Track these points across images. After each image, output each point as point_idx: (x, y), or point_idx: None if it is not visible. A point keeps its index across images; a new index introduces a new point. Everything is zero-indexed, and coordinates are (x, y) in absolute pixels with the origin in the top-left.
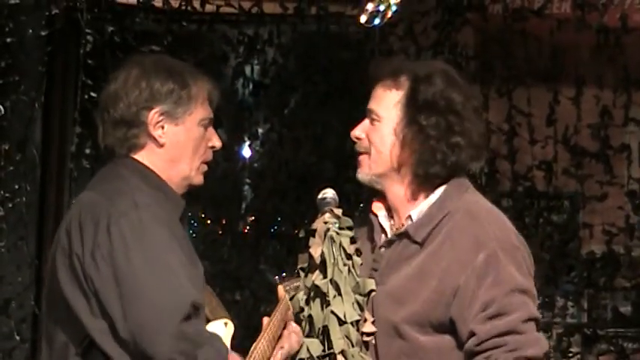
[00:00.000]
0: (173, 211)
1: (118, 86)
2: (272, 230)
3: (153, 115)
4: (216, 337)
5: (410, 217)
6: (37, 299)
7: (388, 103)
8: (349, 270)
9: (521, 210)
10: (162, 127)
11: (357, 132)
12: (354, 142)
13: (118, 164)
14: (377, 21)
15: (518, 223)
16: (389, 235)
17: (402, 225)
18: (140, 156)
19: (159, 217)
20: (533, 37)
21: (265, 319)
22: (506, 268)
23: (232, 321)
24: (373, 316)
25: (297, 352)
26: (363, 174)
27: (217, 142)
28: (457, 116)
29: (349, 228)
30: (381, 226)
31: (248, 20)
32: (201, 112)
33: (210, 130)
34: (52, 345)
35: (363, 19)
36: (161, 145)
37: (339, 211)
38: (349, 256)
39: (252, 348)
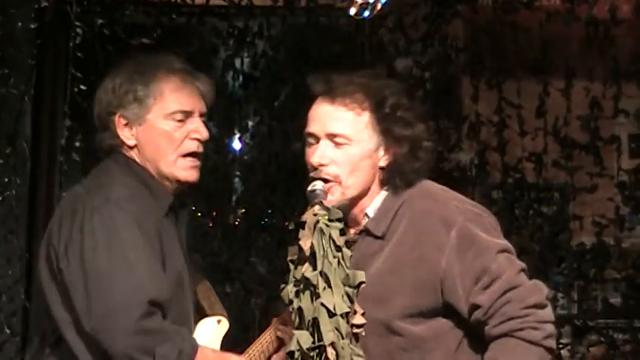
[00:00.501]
0: (155, 207)
1: (97, 92)
2: (262, 223)
3: (118, 120)
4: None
5: (366, 214)
6: (27, 293)
7: (358, 125)
8: (339, 262)
9: (512, 202)
10: (130, 129)
11: (322, 158)
12: (314, 169)
13: (110, 158)
14: (366, 13)
15: (509, 214)
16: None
17: (360, 222)
18: (126, 153)
19: (128, 211)
20: (523, 30)
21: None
22: (481, 235)
23: (227, 317)
24: None
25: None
26: (335, 201)
27: (201, 134)
28: (420, 124)
29: (339, 220)
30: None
31: (238, 13)
32: (165, 105)
33: (191, 121)
34: (35, 335)
35: (352, 11)
36: (132, 147)
37: (328, 203)
38: (339, 248)
39: None
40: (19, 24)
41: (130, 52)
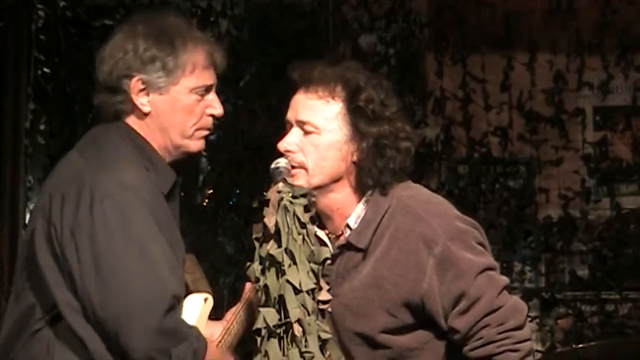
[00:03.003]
0: (161, 187)
1: (107, 46)
2: (230, 202)
3: (135, 84)
4: (196, 335)
5: (348, 225)
6: None
7: (327, 115)
8: (303, 239)
9: (478, 176)
10: (147, 95)
11: (289, 145)
12: (281, 155)
13: (111, 128)
14: None
15: (475, 189)
16: (328, 245)
17: (341, 232)
18: (131, 121)
19: (144, 201)
20: (486, 4)
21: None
22: (462, 256)
23: (212, 294)
24: (337, 328)
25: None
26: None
27: (217, 110)
28: (398, 122)
29: (303, 196)
30: (318, 238)
31: None
32: (192, 80)
33: (210, 96)
34: (19, 303)
35: None
36: (146, 114)
37: (292, 180)
38: (303, 225)
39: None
40: None
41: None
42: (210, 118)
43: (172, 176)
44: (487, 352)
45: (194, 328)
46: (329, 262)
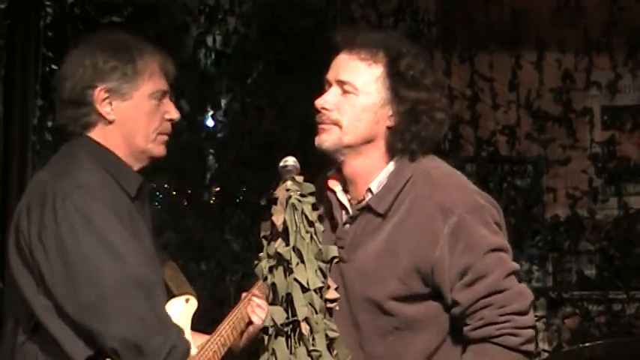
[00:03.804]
0: (125, 188)
1: (65, 66)
2: (237, 200)
3: (98, 93)
4: (176, 331)
5: (370, 189)
6: (1, 274)
7: (368, 77)
8: (311, 237)
9: (485, 175)
10: (110, 104)
11: (326, 103)
12: (318, 112)
13: (74, 142)
14: None
15: (482, 188)
16: (349, 210)
17: (362, 198)
18: (95, 134)
19: (102, 197)
20: (494, 2)
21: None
22: (476, 230)
23: (195, 296)
24: (347, 294)
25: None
26: (332, 143)
27: (174, 114)
28: (436, 92)
29: (311, 194)
30: (339, 202)
31: None
32: (150, 85)
33: (166, 102)
34: (7, 321)
35: None
36: (111, 122)
37: (300, 178)
38: (311, 223)
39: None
40: None
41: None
42: (169, 125)
43: (137, 179)
44: (487, 334)
45: (177, 327)
46: (347, 225)
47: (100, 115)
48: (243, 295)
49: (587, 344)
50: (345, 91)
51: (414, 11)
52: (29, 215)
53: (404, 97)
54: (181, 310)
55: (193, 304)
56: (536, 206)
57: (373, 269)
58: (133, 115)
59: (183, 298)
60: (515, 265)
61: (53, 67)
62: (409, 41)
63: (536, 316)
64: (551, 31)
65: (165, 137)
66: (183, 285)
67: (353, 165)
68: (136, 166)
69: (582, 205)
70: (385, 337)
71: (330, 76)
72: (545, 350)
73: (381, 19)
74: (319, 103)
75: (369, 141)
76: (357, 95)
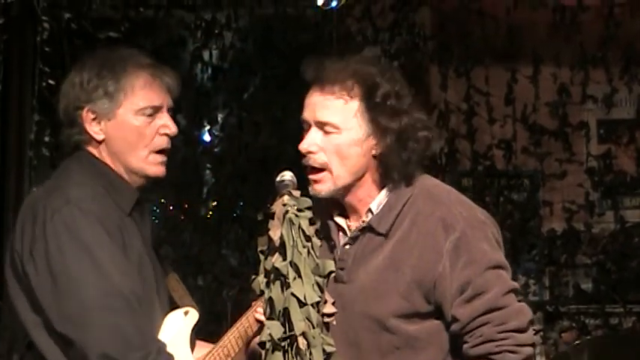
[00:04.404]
0: (118, 205)
1: (62, 86)
2: (234, 214)
3: (86, 114)
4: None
5: (370, 210)
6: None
7: (347, 114)
8: (308, 252)
9: (482, 189)
10: (99, 124)
11: (310, 146)
12: (304, 155)
13: (73, 157)
14: (334, 3)
15: (479, 202)
16: (348, 233)
17: (363, 220)
18: (92, 149)
19: (90, 212)
20: (490, 17)
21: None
22: (477, 246)
23: (196, 308)
24: (347, 313)
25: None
26: (327, 191)
27: (170, 129)
28: (415, 112)
29: (308, 209)
30: (336, 224)
31: (205, 5)
32: (135, 101)
33: (160, 116)
34: (5, 341)
35: (320, 1)
36: (101, 141)
37: (297, 193)
38: (308, 238)
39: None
40: None
41: (97, 46)
42: (165, 138)
43: (133, 195)
44: (486, 351)
45: (159, 343)
46: (347, 246)
47: (90, 134)
48: (254, 303)
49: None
50: (326, 132)
51: (410, 26)
52: (23, 233)
53: (386, 129)
54: (181, 321)
55: (194, 316)
56: (533, 220)
57: (375, 287)
58: (120, 134)
59: (183, 310)
60: (514, 284)
61: (50, 82)
62: (377, 60)
63: (533, 329)
64: (547, 46)
65: (162, 157)
66: (184, 297)
67: (349, 197)
68: (135, 184)
69: (579, 219)
70: (385, 356)
71: (308, 116)
72: None
73: (377, 33)
74: (304, 147)
75: (360, 176)
76: (339, 133)
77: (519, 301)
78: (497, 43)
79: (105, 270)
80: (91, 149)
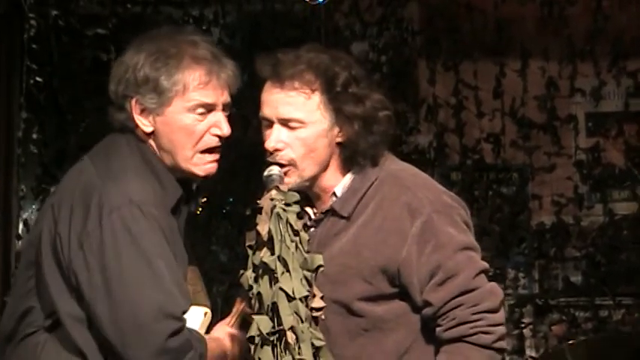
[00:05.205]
0: (167, 202)
1: (114, 64)
2: (223, 210)
3: (134, 105)
4: (198, 338)
5: (334, 193)
6: None
7: (310, 107)
8: (296, 246)
9: (471, 183)
10: (148, 116)
11: (277, 143)
12: (270, 153)
13: (122, 138)
14: None
15: (468, 196)
16: (311, 216)
17: (326, 203)
18: (140, 135)
19: (152, 216)
20: (478, 11)
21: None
22: (444, 230)
23: (209, 307)
24: None
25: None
26: (294, 184)
27: (222, 130)
28: (375, 94)
29: (296, 203)
30: (306, 213)
31: (193, 1)
32: (187, 99)
33: (213, 115)
34: (17, 304)
35: None
36: (149, 133)
37: (284, 187)
38: (296, 233)
39: None
40: None
41: (89, 43)
42: (216, 139)
43: (178, 192)
44: (460, 333)
45: (195, 332)
46: (312, 229)
47: (138, 124)
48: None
49: (570, 342)
50: (291, 127)
51: (399, 20)
52: (71, 217)
53: (351, 116)
54: (200, 322)
55: (209, 317)
56: (522, 213)
57: (339, 271)
58: (168, 131)
59: (202, 310)
60: (485, 264)
61: (37, 79)
62: (327, 48)
63: (522, 322)
64: (535, 40)
65: (211, 156)
66: (199, 293)
67: (315, 185)
68: (178, 177)
69: (568, 212)
70: (354, 338)
71: (269, 113)
72: (532, 357)
73: (365, 28)
74: (270, 145)
75: (326, 163)
76: (305, 127)
77: (507, 295)
78: (486, 37)
79: (163, 283)
80: (139, 134)
